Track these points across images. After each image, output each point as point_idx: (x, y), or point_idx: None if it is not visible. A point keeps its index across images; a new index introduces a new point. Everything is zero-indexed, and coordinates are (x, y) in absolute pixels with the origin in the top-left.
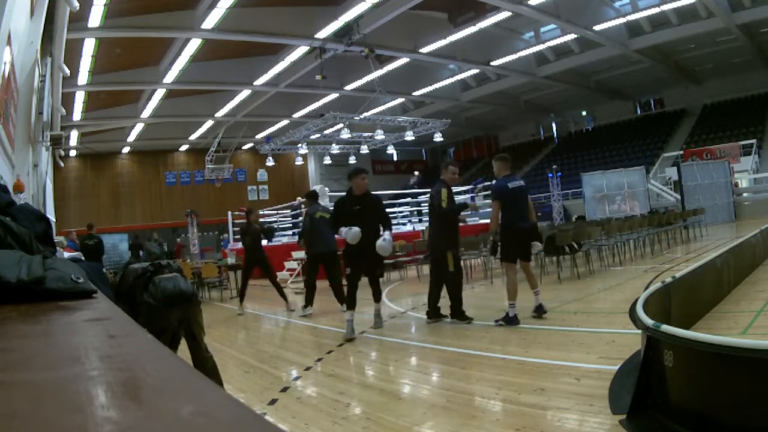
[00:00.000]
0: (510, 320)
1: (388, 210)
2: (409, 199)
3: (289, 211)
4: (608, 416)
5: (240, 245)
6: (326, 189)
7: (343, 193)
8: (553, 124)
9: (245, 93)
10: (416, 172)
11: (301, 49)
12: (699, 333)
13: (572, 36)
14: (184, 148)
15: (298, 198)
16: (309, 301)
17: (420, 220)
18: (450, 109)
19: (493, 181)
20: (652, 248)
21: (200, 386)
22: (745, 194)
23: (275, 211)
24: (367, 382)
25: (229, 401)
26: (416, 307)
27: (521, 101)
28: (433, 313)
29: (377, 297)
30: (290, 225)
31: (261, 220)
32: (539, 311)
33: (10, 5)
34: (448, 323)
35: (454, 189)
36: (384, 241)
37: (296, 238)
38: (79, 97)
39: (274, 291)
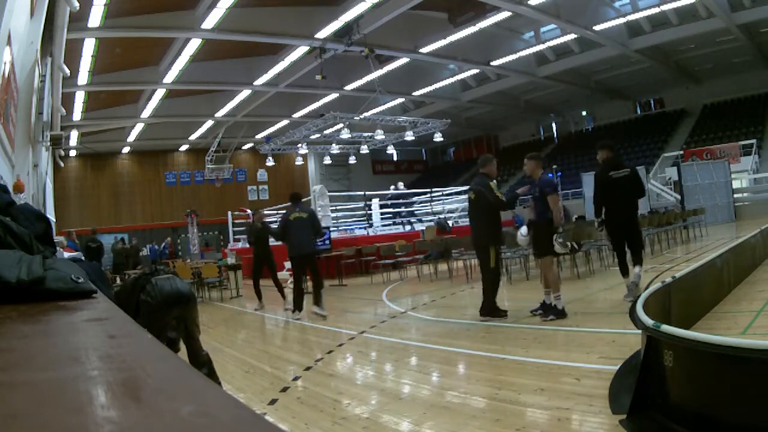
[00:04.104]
0: (559, 313)
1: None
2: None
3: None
4: (608, 416)
5: (240, 245)
6: (326, 189)
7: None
8: (553, 124)
9: (245, 93)
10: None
11: (301, 49)
12: (699, 333)
13: (572, 36)
14: (184, 148)
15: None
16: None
17: (419, 221)
18: (450, 109)
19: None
20: (652, 248)
21: (200, 386)
22: (744, 194)
23: (275, 212)
24: (367, 382)
25: (229, 401)
26: (416, 307)
27: (521, 101)
28: (493, 311)
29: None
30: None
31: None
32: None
33: (10, 5)
34: (450, 323)
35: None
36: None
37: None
38: (79, 97)
39: (275, 290)
